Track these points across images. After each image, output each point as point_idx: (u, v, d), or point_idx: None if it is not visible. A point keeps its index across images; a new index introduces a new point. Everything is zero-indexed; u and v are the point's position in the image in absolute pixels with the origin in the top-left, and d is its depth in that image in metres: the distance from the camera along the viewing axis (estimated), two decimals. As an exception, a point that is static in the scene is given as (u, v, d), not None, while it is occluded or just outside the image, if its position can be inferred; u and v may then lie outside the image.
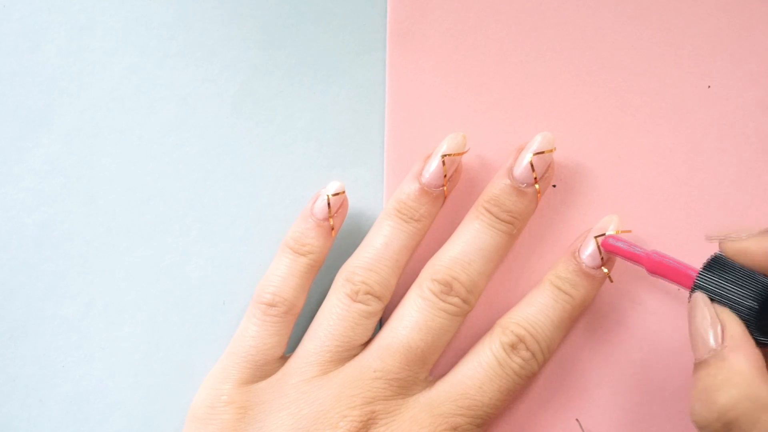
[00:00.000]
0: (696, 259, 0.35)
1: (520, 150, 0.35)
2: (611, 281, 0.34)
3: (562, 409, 0.35)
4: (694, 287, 0.29)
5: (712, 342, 0.28)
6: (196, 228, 0.37)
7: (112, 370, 0.37)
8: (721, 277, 0.29)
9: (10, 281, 0.37)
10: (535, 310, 0.34)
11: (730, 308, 0.28)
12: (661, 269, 0.31)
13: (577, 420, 0.35)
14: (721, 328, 0.28)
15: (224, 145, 0.38)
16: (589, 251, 0.34)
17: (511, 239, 0.35)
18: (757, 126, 0.36)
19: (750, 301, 0.28)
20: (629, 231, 0.35)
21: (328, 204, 0.35)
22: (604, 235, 0.34)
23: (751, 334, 0.28)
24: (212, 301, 0.37)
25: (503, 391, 0.33)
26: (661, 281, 0.35)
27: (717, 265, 0.29)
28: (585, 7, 0.37)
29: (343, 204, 0.36)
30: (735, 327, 0.28)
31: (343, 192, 0.35)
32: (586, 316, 0.36)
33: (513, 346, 0.33)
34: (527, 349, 0.33)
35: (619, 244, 0.33)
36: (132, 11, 0.39)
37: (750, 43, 0.37)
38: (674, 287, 0.35)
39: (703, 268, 0.29)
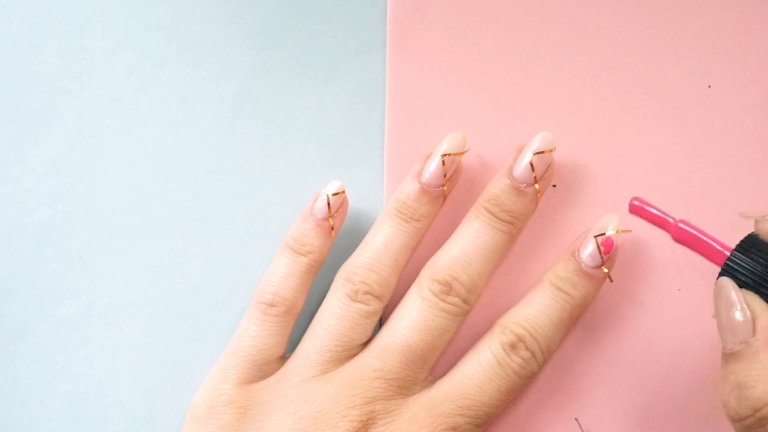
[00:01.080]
0: (695, 261, 0.35)
1: (520, 150, 0.35)
2: (611, 281, 0.34)
3: (562, 409, 0.35)
4: (725, 268, 0.28)
5: (742, 333, 0.27)
6: (196, 228, 0.37)
7: (112, 370, 0.37)
8: (755, 259, 0.28)
9: (10, 281, 0.37)
10: (534, 309, 0.33)
11: (763, 293, 0.28)
12: (689, 240, 0.30)
13: (576, 419, 0.35)
14: (752, 317, 0.27)
15: (224, 145, 0.38)
16: (588, 251, 0.34)
17: (511, 239, 0.35)
18: (757, 126, 0.36)
19: None
20: (629, 231, 0.35)
21: (328, 204, 0.35)
22: (603, 234, 0.33)
23: None
24: (212, 301, 0.37)
25: (503, 391, 0.33)
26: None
27: (751, 245, 0.28)
28: (585, 7, 0.37)
29: (343, 204, 0.36)
30: (767, 317, 0.27)
31: (343, 192, 0.35)
32: (586, 316, 0.35)
33: (513, 346, 0.33)
34: (527, 348, 0.33)
35: (647, 207, 0.31)
36: (132, 11, 0.39)
37: (750, 43, 0.37)
38: (674, 287, 0.35)
39: (737, 248, 0.28)
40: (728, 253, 0.28)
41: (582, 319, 0.35)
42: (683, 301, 0.35)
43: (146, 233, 0.37)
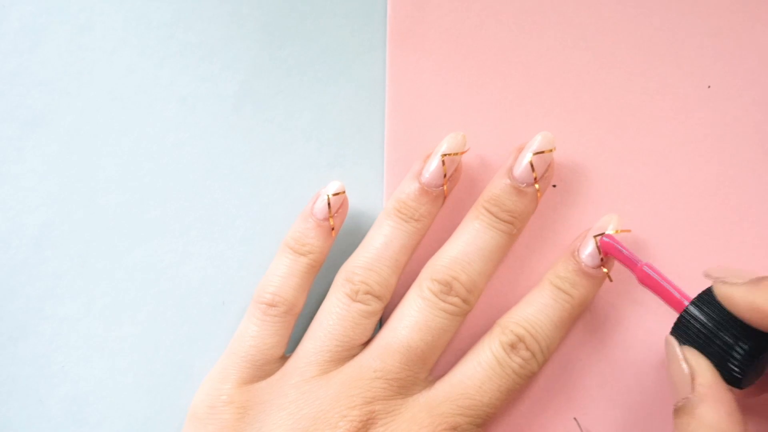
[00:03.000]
0: (695, 261, 0.35)
1: (520, 150, 0.35)
2: (611, 281, 0.34)
3: (562, 409, 0.35)
4: (678, 321, 0.29)
5: (683, 389, 0.28)
6: (196, 228, 0.37)
7: (112, 371, 0.37)
8: (707, 316, 0.29)
9: (10, 281, 0.37)
10: (534, 309, 0.33)
11: (708, 348, 0.28)
12: (651, 284, 0.31)
13: (575, 419, 0.35)
14: (692, 375, 0.28)
15: (224, 145, 0.38)
16: (588, 251, 0.34)
17: (511, 239, 0.35)
18: (757, 126, 0.36)
19: (724, 345, 0.28)
20: (628, 231, 0.35)
21: (329, 204, 0.35)
22: (603, 234, 0.33)
23: (726, 376, 0.28)
24: (212, 301, 0.37)
25: (503, 391, 0.33)
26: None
27: (705, 302, 0.29)
28: (585, 7, 0.37)
29: (344, 204, 0.36)
30: (705, 374, 0.28)
31: (344, 192, 0.35)
32: (586, 316, 0.35)
33: (513, 346, 0.33)
34: (527, 348, 0.33)
35: (616, 245, 0.32)
36: (132, 11, 0.39)
37: (750, 43, 0.37)
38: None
39: (691, 304, 0.29)
40: (686, 303, 0.29)
41: (582, 319, 0.35)
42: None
43: (146, 233, 0.37)
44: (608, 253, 0.33)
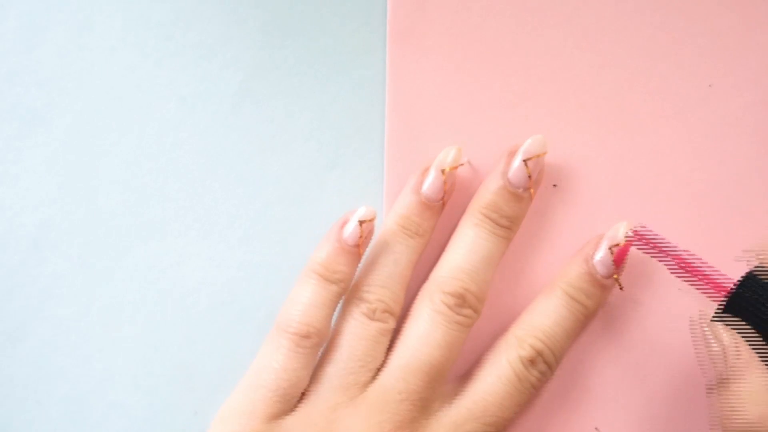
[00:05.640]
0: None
1: (511, 153, 0.35)
2: (621, 289, 0.34)
3: (562, 410, 0.35)
4: (727, 299, 0.29)
5: (716, 368, 0.29)
6: (195, 228, 0.37)
7: (111, 371, 0.37)
8: (751, 294, 0.29)
9: (9, 281, 0.37)
10: (551, 322, 0.33)
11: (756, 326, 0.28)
12: (691, 271, 0.31)
13: (596, 429, 0.35)
14: (724, 352, 0.28)
15: (224, 145, 0.38)
16: (603, 261, 0.34)
17: (509, 243, 0.35)
18: (757, 126, 0.36)
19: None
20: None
21: (359, 230, 0.34)
22: (618, 245, 0.33)
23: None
24: (212, 301, 0.37)
25: (521, 405, 0.33)
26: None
27: (750, 281, 0.29)
28: (585, 7, 0.37)
29: (372, 230, 0.34)
30: (740, 349, 0.28)
31: (374, 218, 0.34)
32: (586, 316, 0.36)
33: (532, 361, 0.33)
34: (544, 362, 0.33)
35: (649, 236, 0.32)
36: (131, 10, 0.38)
37: (751, 43, 0.37)
38: (674, 287, 0.35)
39: (739, 285, 0.29)
40: (730, 287, 0.29)
41: (583, 320, 0.36)
42: (683, 301, 0.35)
43: (146, 233, 0.37)
44: (641, 242, 0.32)
